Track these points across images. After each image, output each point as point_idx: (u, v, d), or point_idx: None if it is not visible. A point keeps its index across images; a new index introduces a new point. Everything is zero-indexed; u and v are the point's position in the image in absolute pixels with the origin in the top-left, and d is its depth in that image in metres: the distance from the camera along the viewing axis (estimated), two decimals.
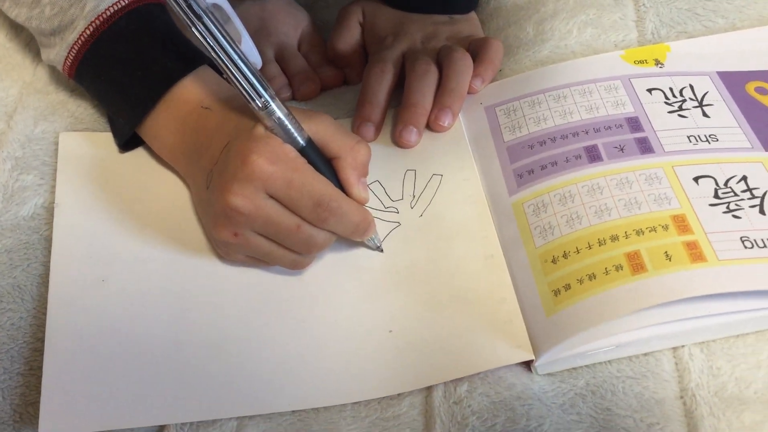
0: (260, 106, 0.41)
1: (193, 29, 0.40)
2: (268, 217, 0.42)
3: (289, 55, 0.59)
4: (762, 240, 0.42)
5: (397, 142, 0.51)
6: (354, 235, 0.45)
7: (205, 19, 0.39)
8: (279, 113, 0.41)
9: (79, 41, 0.48)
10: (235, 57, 0.40)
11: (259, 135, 0.42)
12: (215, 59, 0.40)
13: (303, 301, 0.45)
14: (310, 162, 0.43)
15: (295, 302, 0.45)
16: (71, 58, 0.48)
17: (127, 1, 0.47)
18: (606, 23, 0.57)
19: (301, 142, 0.43)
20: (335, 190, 0.43)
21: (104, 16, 0.47)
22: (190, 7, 0.39)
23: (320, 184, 0.42)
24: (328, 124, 0.44)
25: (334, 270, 0.46)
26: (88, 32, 0.47)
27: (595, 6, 0.58)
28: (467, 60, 0.53)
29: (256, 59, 0.47)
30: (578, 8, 0.58)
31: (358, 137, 0.45)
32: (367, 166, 0.45)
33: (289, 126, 0.42)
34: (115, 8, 0.47)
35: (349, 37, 0.59)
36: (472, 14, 0.60)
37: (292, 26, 0.61)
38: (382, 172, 0.50)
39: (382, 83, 0.53)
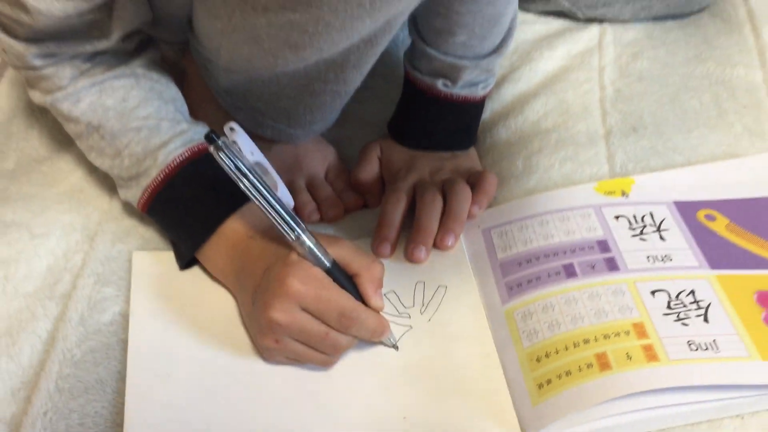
0: (293, 238, 0.51)
1: (240, 184, 0.50)
2: (302, 327, 0.52)
3: (318, 184, 0.70)
4: (705, 343, 0.51)
5: (409, 258, 0.61)
6: (372, 338, 0.54)
7: (250, 177, 0.50)
8: (309, 243, 0.51)
9: (152, 185, 0.58)
10: (273, 203, 0.51)
11: (293, 260, 0.52)
12: (258, 206, 0.51)
13: (329, 393, 0.54)
14: (335, 279, 0.53)
15: (322, 394, 0.54)
16: (144, 198, 0.59)
17: (189, 154, 0.58)
18: (582, 159, 0.68)
19: (327, 264, 0.52)
20: (355, 303, 0.53)
21: (172, 165, 0.58)
22: (237, 168, 0.50)
23: (343, 299, 0.52)
24: (349, 248, 0.54)
25: (356, 365, 0.55)
26: (159, 178, 0.58)
27: (573, 144, 0.69)
28: (467, 191, 0.63)
29: (289, 201, 0.57)
30: (559, 146, 0.69)
31: (374, 257, 0.55)
32: (382, 280, 0.55)
33: (317, 252, 0.52)
34: (181, 159, 0.58)
35: (370, 169, 0.70)
36: (472, 150, 0.71)
37: (321, 160, 0.71)
38: (396, 283, 0.60)
39: (397, 209, 0.63)
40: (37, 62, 0.57)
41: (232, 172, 0.50)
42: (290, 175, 0.69)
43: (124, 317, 0.58)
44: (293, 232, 0.51)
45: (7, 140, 0.69)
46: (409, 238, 0.62)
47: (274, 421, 0.52)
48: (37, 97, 0.60)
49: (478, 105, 0.69)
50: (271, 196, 0.51)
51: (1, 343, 0.56)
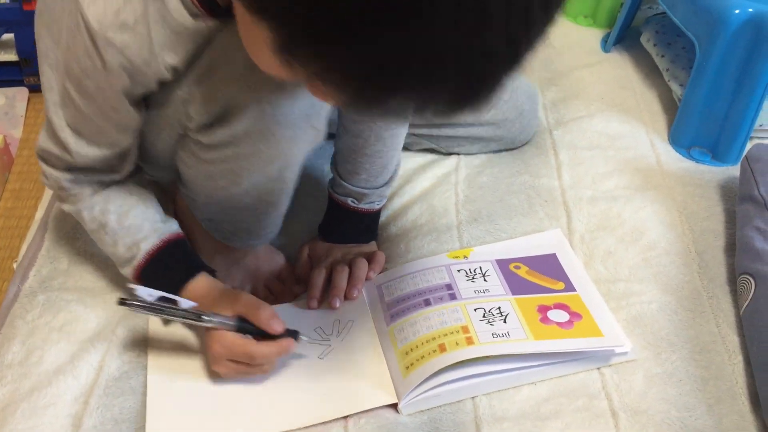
0: (199, 322, 0.77)
1: (151, 315, 0.78)
2: (233, 368, 0.79)
3: (272, 283, 0.97)
4: (502, 333, 0.82)
5: (330, 305, 0.91)
6: (282, 355, 0.80)
7: (156, 306, 0.77)
8: (212, 322, 0.77)
9: (140, 264, 0.82)
10: (176, 310, 0.78)
11: (212, 333, 0.78)
12: (168, 317, 0.79)
13: (286, 386, 0.82)
14: (243, 327, 0.78)
15: (283, 387, 0.82)
16: (136, 273, 0.84)
17: (161, 243, 0.83)
18: (442, 240, 1.00)
19: (233, 323, 0.77)
20: (257, 346, 0.78)
21: (151, 251, 0.83)
22: (145, 306, 0.77)
23: (248, 346, 0.78)
24: (245, 304, 0.79)
25: (299, 369, 0.83)
26: (143, 260, 0.82)
27: (436, 232, 1.01)
28: (365, 263, 0.93)
29: (191, 304, 0.79)
30: (428, 233, 1.00)
31: (261, 303, 0.80)
32: (275, 315, 0.79)
33: (222, 322, 0.78)
34: (157, 246, 0.84)
35: (303, 264, 0.97)
36: (372, 242, 1.01)
37: (274, 266, 0.97)
38: (322, 321, 0.89)
39: (320, 278, 0.93)
40: (68, 185, 0.82)
41: (145, 309, 0.77)
42: (254, 279, 0.96)
43: (145, 353, 0.87)
44: (198, 319, 0.78)
45: (60, 248, 0.99)
46: (329, 293, 0.92)
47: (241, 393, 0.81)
48: (66, 207, 0.85)
49: (374, 214, 0.99)
50: (174, 308, 0.78)
51: (68, 368, 0.84)
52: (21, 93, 1.46)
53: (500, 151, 1.14)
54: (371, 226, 1.01)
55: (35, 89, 1.47)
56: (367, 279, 0.94)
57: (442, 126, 1.09)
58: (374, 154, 0.92)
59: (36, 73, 1.42)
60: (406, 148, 1.14)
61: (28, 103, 1.44)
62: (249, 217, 0.90)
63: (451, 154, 1.14)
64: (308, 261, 0.99)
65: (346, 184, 0.95)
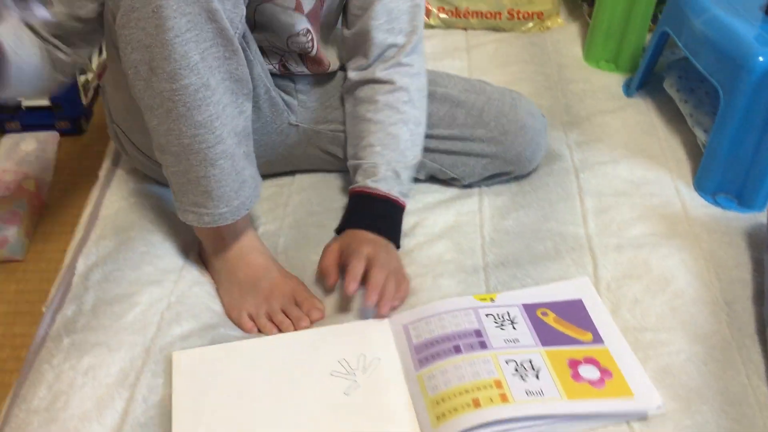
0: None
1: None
2: None
3: (289, 307, 0.95)
4: (535, 391, 0.80)
5: (365, 303, 0.89)
6: None
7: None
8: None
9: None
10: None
11: None
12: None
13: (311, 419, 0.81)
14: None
15: (304, 421, 0.81)
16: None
17: None
18: (470, 282, 0.98)
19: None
20: None
21: None
22: None
23: None
24: None
25: (319, 406, 0.82)
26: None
27: (463, 272, 0.99)
28: (393, 284, 0.92)
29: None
30: (454, 273, 0.98)
31: None
32: None
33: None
34: None
35: (331, 255, 0.94)
36: (398, 255, 0.98)
37: (289, 289, 0.96)
38: (348, 353, 0.87)
39: (360, 268, 0.90)
40: None
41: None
42: (270, 303, 0.95)
43: (170, 396, 0.85)
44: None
45: (87, 288, 0.98)
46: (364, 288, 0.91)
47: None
48: None
49: (395, 204, 0.99)
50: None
51: (93, 413, 0.83)
52: (52, 137, 1.47)
53: (510, 178, 1.14)
54: (391, 216, 1.01)
55: (66, 133, 1.50)
56: (393, 308, 0.93)
57: (443, 138, 1.10)
58: (381, 121, 1.01)
59: (66, 117, 1.48)
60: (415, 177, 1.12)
61: (59, 148, 1.46)
62: (197, 171, 0.87)
63: (460, 182, 1.13)
64: (336, 254, 0.96)
65: (362, 161, 1.01)
